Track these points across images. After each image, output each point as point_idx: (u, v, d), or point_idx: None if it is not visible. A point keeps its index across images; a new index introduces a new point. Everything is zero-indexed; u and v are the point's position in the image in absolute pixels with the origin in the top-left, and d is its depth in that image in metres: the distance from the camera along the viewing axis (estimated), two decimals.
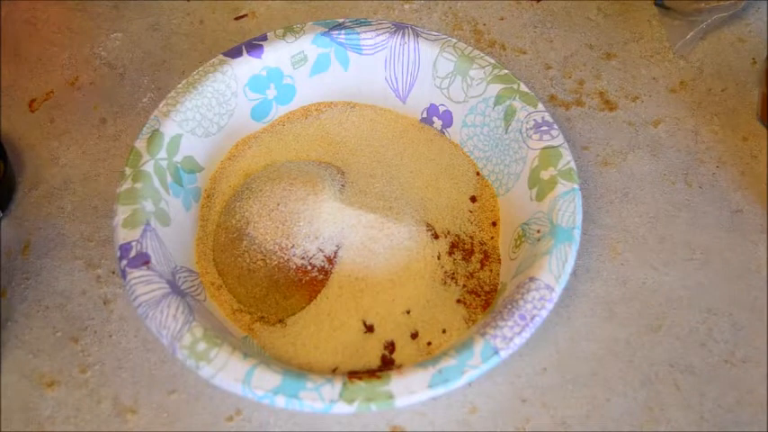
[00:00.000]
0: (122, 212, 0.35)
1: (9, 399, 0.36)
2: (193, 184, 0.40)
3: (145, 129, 0.38)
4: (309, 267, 0.36)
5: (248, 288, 0.37)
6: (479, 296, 0.37)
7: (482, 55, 0.41)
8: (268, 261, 0.37)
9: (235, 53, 0.41)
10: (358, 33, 0.42)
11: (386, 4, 0.52)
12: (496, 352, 0.32)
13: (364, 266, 0.37)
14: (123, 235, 0.35)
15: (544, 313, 0.33)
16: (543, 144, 0.38)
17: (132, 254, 0.34)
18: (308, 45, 0.42)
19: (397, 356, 0.35)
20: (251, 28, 0.51)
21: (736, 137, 0.45)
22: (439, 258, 0.38)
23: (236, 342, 0.34)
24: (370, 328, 0.36)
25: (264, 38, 0.42)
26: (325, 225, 0.37)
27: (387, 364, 0.35)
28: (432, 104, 0.43)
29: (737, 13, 0.49)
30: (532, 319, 0.32)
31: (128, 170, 0.37)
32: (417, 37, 0.42)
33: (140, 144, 0.38)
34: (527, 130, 0.39)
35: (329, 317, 0.36)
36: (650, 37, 0.50)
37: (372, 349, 0.35)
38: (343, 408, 0.30)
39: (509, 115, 0.40)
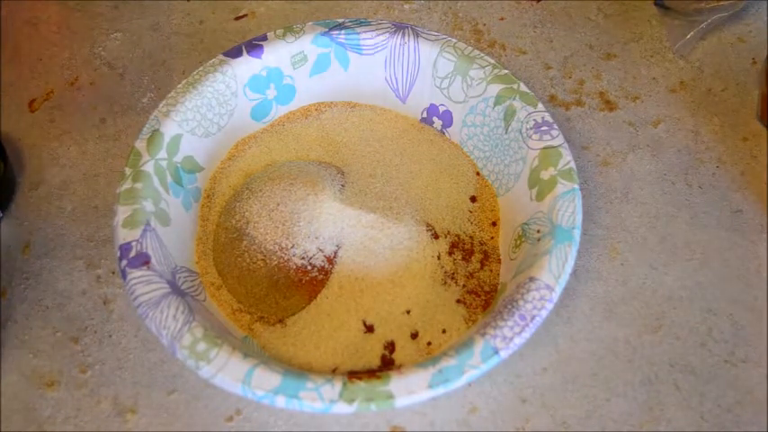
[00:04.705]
0: (122, 212, 0.35)
1: (9, 399, 0.36)
2: (193, 184, 0.40)
3: (145, 129, 0.38)
4: (309, 267, 0.36)
5: (248, 288, 0.37)
6: (479, 296, 0.37)
7: (482, 55, 0.41)
8: (268, 261, 0.37)
9: (235, 53, 0.41)
10: (358, 33, 0.42)
11: (386, 4, 0.52)
12: (496, 352, 0.32)
13: (364, 266, 0.37)
14: (123, 235, 0.35)
15: (544, 313, 0.33)
16: (543, 144, 0.38)
17: (132, 254, 0.34)
18: (308, 45, 0.42)
19: (397, 356, 0.35)
20: (251, 28, 0.51)
21: (736, 137, 0.45)
22: (439, 258, 0.38)
23: (236, 342, 0.34)
24: (370, 328, 0.36)
25: (264, 38, 0.42)
26: (325, 225, 0.37)
27: (387, 364, 0.35)
28: (432, 104, 0.43)
29: (737, 13, 0.49)
30: (532, 319, 0.32)
31: (128, 170, 0.37)
32: (417, 37, 0.42)
33: (140, 144, 0.38)
34: (527, 130, 0.39)
35: (329, 317, 0.36)
36: (650, 37, 0.50)
37: (372, 349, 0.35)
38: (343, 408, 0.30)
39: (509, 115, 0.40)
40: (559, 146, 0.38)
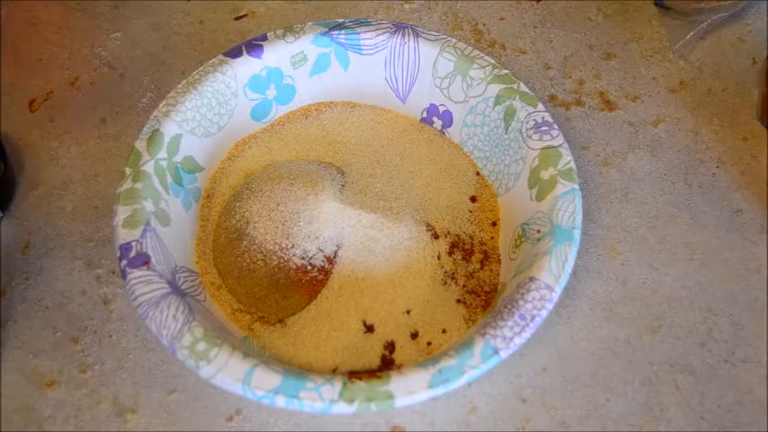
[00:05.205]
0: (122, 212, 0.35)
1: (9, 399, 0.36)
2: (193, 184, 0.40)
3: (145, 129, 0.38)
4: (309, 267, 0.36)
5: (248, 288, 0.37)
6: (479, 296, 0.37)
7: (482, 55, 0.41)
8: (268, 261, 0.37)
9: (235, 53, 0.41)
10: (358, 33, 0.42)
11: (386, 4, 0.52)
12: (496, 352, 0.32)
13: (364, 266, 0.37)
14: (123, 235, 0.35)
15: (544, 313, 0.33)
16: (543, 144, 0.38)
17: (132, 254, 0.34)
18: (308, 45, 0.42)
19: (397, 356, 0.35)
20: (251, 28, 0.51)
21: (736, 137, 0.45)
22: (439, 258, 0.38)
23: (236, 342, 0.34)
24: (370, 328, 0.36)
25: (264, 38, 0.42)
26: (326, 225, 0.37)
27: (387, 364, 0.35)
28: (432, 104, 0.43)
29: (737, 13, 0.49)
30: (532, 319, 0.32)
31: (128, 170, 0.37)
32: (417, 37, 0.42)
33: (140, 144, 0.38)
34: (527, 130, 0.39)
35: (329, 317, 0.36)
36: (650, 37, 0.50)
37: (372, 349, 0.35)
38: (343, 408, 0.30)
39: (509, 115, 0.40)
40: (559, 146, 0.38)
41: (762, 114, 0.45)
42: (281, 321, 0.37)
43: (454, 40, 0.42)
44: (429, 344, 0.35)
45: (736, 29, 0.50)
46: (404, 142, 0.43)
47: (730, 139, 0.45)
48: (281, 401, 0.30)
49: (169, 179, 0.38)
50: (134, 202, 0.36)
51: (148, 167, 0.37)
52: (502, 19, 0.51)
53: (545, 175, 0.37)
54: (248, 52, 0.42)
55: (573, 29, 0.50)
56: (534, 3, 0.52)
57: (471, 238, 0.39)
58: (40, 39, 0.51)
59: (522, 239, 0.37)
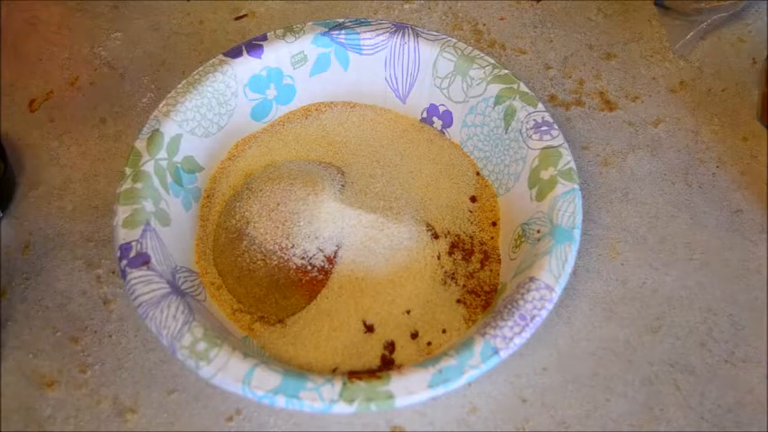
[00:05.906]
0: (122, 212, 0.35)
1: (9, 399, 0.36)
2: (193, 184, 0.40)
3: (145, 129, 0.38)
4: (309, 267, 0.36)
5: (248, 288, 0.37)
6: (479, 296, 0.37)
7: (482, 55, 0.41)
8: (268, 261, 0.37)
9: (235, 53, 0.41)
10: (358, 33, 0.42)
11: (386, 4, 0.52)
12: (496, 352, 0.32)
13: (364, 266, 0.37)
14: (123, 235, 0.35)
15: (544, 313, 0.33)
16: (543, 144, 0.38)
17: (132, 254, 0.34)
18: (308, 45, 0.42)
19: (397, 356, 0.35)
20: (251, 28, 0.51)
21: (736, 137, 0.45)
22: (439, 258, 0.38)
23: (236, 342, 0.34)
24: (370, 328, 0.36)
25: (264, 38, 0.42)
26: (325, 225, 0.37)
27: (387, 364, 0.35)
28: (432, 104, 0.43)
29: (737, 13, 0.49)
30: (532, 319, 0.32)
31: (128, 170, 0.37)
32: (417, 37, 0.42)
33: (140, 144, 0.38)
34: (527, 130, 0.39)
35: (329, 317, 0.36)
36: (650, 37, 0.50)
37: (372, 349, 0.35)
38: (343, 408, 0.30)
39: (509, 115, 0.40)
40: (559, 146, 0.38)
41: (762, 114, 0.45)
42: (281, 321, 0.37)
43: (454, 40, 0.42)
44: (429, 344, 0.35)
45: (736, 29, 0.50)
46: (404, 142, 0.43)
47: (730, 139, 0.45)
48: (281, 401, 0.30)
49: (169, 179, 0.38)
50: (134, 202, 0.36)
51: (148, 167, 0.37)
52: (502, 19, 0.51)
53: (545, 175, 0.37)
54: (248, 52, 0.42)
55: (573, 29, 0.50)
56: (534, 3, 0.52)
57: (471, 238, 0.39)
58: (40, 39, 0.51)
59: (522, 239, 0.37)
